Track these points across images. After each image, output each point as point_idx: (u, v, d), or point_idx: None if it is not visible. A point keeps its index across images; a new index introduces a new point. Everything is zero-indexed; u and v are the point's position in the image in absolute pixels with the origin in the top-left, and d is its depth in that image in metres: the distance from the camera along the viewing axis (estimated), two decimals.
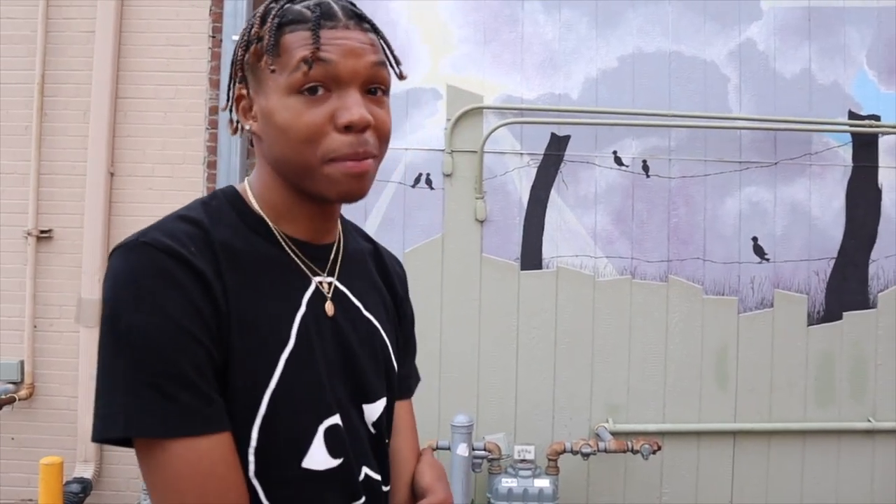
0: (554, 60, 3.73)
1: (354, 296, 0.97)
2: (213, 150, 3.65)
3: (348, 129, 0.82)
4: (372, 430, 0.96)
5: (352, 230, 1.06)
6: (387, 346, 1.00)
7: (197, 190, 3.65)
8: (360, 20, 0.86)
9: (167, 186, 3.65)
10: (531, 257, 3.74)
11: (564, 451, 3.50)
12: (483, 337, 3.70)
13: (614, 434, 3.57)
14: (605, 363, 3.71)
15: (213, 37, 3.68)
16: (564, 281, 3.74)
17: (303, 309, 0.89)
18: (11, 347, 3.73)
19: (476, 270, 3.73)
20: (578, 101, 3.73)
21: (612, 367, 3.72)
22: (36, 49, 3.67)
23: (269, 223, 0.90)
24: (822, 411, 3.78)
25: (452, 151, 3.71)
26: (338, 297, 0.94)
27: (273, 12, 0.85)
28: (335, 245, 0.97)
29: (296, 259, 0.91)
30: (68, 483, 3.52)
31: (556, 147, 3.74)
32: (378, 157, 0.88)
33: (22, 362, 3.71)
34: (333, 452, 0.87)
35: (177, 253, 0.78)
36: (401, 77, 0.94)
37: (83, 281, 3.64)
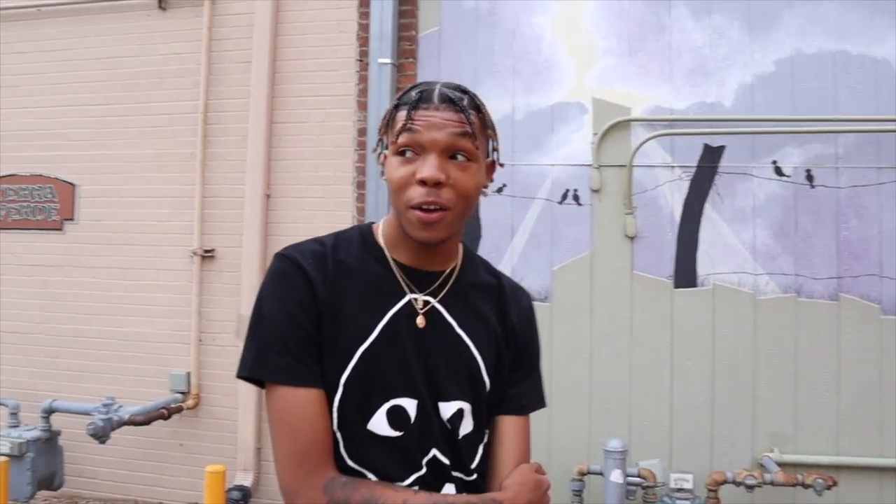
0: (705, 68, 3.57)
1: (451, 315, 1.20)
2: (361, 171, 3.75)
3: (423, 183, 1.08)
4: (447, 424, 1.18)
5: (479, 265, 1.30)
6: (475, 361, 1.20)
7: (347, 209, 3.76)
8: (451, 103, 1.11)
9: (319, 207, 3.79)
10: (685, 274, 3.59)
11: (725, 482, 3.31)
12: (635, 358, 3.59)
13: (781, 465, 3.34)
14: (769, 388, 3.50)
15: (360, 60, 3.79)
16: (722, 299, 3.56)
17: (389, 315, 1.16)
18: (180, 360, 3.98)
19: (626, 288, 3.62)
20: (732, 110, 3.56)
21: (777, 392, 3.50)
22: (199, 80, 3.92)
23: (385, 250, 1.20)
24: None
25: (600, 166, 3.63)
26: (432, 313, 1.19)
27: (398, 96, 1.17)
28: (446, 273, 1.21)
29: (399, 278, 1.19)
30: (230, 490, 3.72)
31: (710, 159, 3.57)
32: (454, 210, 1.11)
33: (189, 374, 3.94)
34: (394, 426, 1.14)
35: (298, 264, 1.14)
36: (498, 165, 1.24)
37: (242, 298, 3.84)
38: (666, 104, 3.62)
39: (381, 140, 1.20)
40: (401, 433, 1.14)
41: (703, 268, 3.60)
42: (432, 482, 1.16)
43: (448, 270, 1.22)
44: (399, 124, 1.11)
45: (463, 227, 1.22)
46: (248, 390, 3.81)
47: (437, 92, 1.13)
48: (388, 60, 3.68)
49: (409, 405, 1.15)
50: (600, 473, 3.40)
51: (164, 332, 4.05)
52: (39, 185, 4.27)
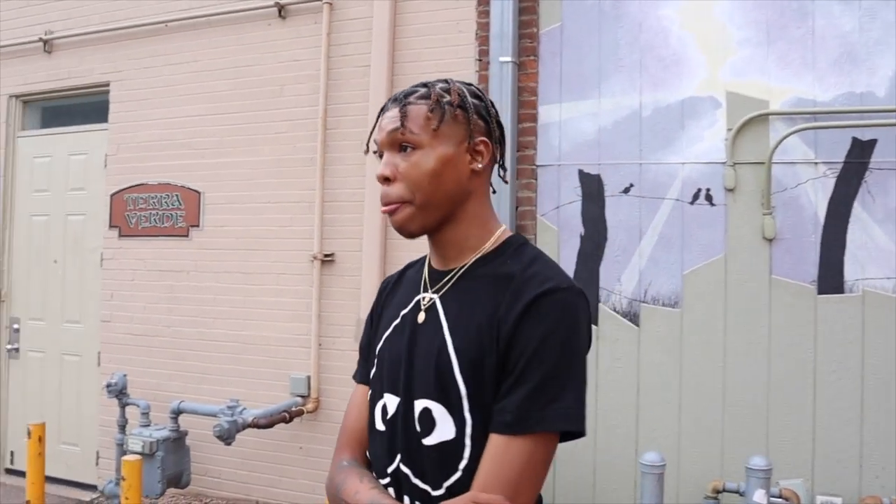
0: (853, 55, 3.32)
1: (444, 311, 1.19)
2: None
3: (378, 180, 1.19)
4: (417, 425, 1.14)
5: (513, 256, 1.20)
6: (446, 357, 1.13)
7: None
8: (395, 101, 1.20)
9: None
10: (830, 280, 3.35)
11: None
12: (773, 369, 3.38)
13: None
14: None
15: (480, 60, 3.73)
16: (872, 307, 3.30)
17: (401, 314, 1.25)
18: (300, 363, 4.03)
19: (765, 294, 3.41)
20: (885, 100, 3.30)
21: None
22: (319, 86, 3.96)
23: (428, 255, 1.29)
24: None
25: (735, 164, 3.44)
26: (431, 310, 1.20)
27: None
28: (457, 270, 1.21)
29: (425, 280, 1.25)
30: None
31: (859, 153, 3.32)
32: (414, 201, 1.16)
33: (309, 377, 3.98)
34: (384, 421, 1.21)
35: (382, 282, 1.40)
36: (479, 145, 1.22)
37: (361, 302, 3.85)
38: (808, 96, 3.39)
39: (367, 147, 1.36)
40: (385, 428, 1.20)
41: (850, 272, 3.35)
42: (395, 486, 1.19)
43: (459, 267, 1.20)
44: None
45: (473, 221, 1.20)
46: None
47: (407, 90, 1.21)
48: (509, 59, 3.61)
49: (392, 402, 1.19)
50: (737, 492, 3.22)
51: (284, 335, 4.12)
52: (167, 193, 4.43)
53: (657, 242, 3.58)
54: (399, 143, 1.17)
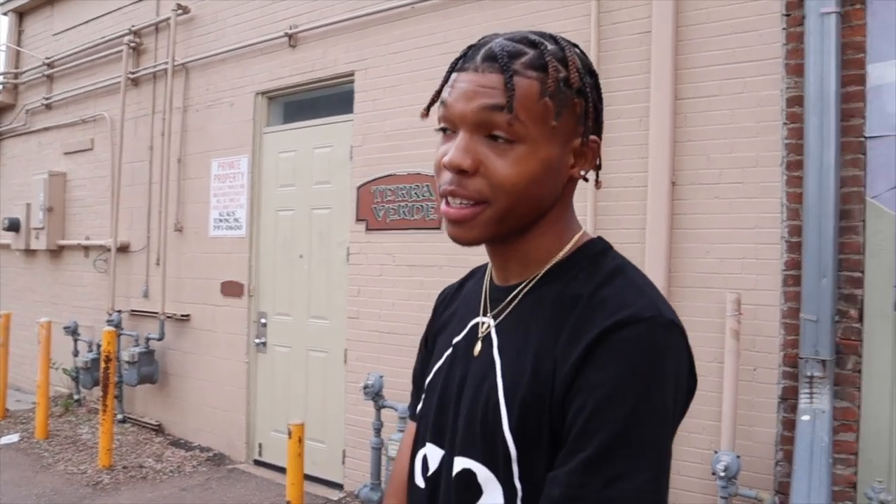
0: None
1: (500, 344, 0.91)
2: (795, 149, 3.11)
3: (448, 168, 0.85)
4: (454, 491, 0.89)
5: (588, 271, 0.88)
6: (495, 406, 0.85)
7: (775, 195, 3.17)
8: (493, 62, 0.84)
9: (737, 194, 3.25)
10: None
11: None
12: None
13: None
14: None
15: (788, 15, 3.15)
16: None
17: (454, 342, 0.99)
18: None
19: None
20: None
21: None
22: (590, 57, 3.49)
23: (491, 268, 1.00)
24: None
25: None
26: (487, 340, 0.93)
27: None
28: (520, 287, 0.92)
29: (482, 299, 0.98)
30: None
31: None
32: (494, 206, 0.85)
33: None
34: (424, 477, 0.96)
35: (438, 296, 1.16)
36: (588, 144, 0.92)
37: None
38: None
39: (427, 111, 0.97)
40: (423, 485, 0.97)
41: None
42: None
43: (524, 283, 0.92)
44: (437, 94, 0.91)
45: (554, 224, 0.91)
46: None
47: (486, 47, 0.86)
48: (832, 8, 2.99)
49: (435, 455, 0.95)
50: None
51: None
52: (417, 183, 4.21)
53: None
54: (490, 127, 0.84)
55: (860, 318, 3.03)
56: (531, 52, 0.86)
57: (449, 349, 1.00)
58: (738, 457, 3.02)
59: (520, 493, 0.83)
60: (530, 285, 0.91)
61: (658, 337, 0.79)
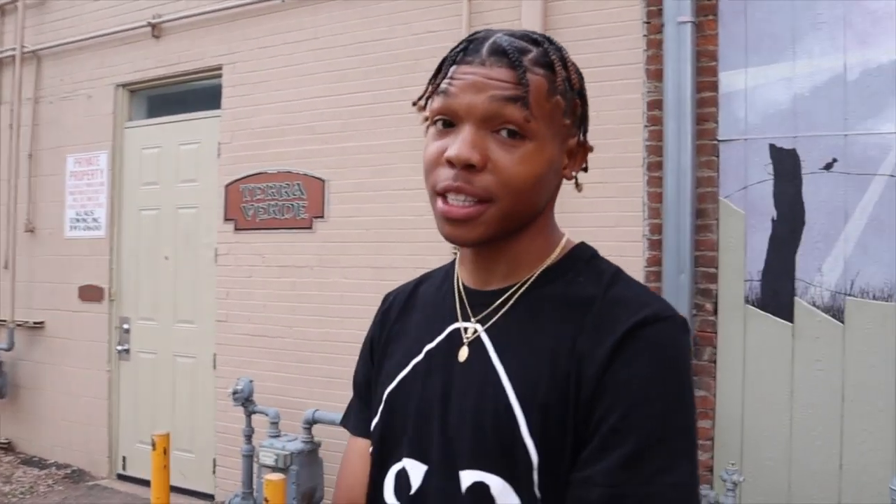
0: None
1: (495, 346, 0.85)
2: (655, 151, 3.22)
3: (450, 163, 0.81)
4: (464, 497, 0.81)
5: (586, 272, 0.88)
6: (509, 413, 0.80)
7: (636, 195, 3.25)
8: (503, 56, 0.81)
9: (600, 194, 3.30)
10: None
11: None
12: None
13: None
14: None
15: (648, 22, 3.26)
16: None
17: (426, 350, 0.92)
18: None
19: None
20: None
21: None
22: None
23: (456, 268, 0.96)
24: None
25: None
26: (475, 345, 0.87)
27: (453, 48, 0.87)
28: (510, 291, 0.88)
29: (456, 303, 0.92)
30: None
31: None
32: (498, 204, 0.81)
33: None
34: (398, 495, 0.89)
35: (383, 300, 1.08)
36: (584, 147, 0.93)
37: None
38: None
39: (425, 103, 0.90)
40: None
41: None
42: None
43: (515, 286, 0.88)
44: (436, 85, 0.85)
45: (545, 227, 0.90)
46: None
47: (490, 42, 0.83)
48: (688, 18, 3.12)
49: (416, 470, 0.87)
50: None
51: None
52: (287, 182, 4.06)
53: (867, 226, 3.04)
54: (501, 122, 0.81)
55: (715, 312, 3.18)
56: (535, 50, 0.84)
57: (417, 357, 0.92)
58: None
59: (520, 488, 0.79)
60: (524, 288, 0.88)
61: (678, 334, 0.81)
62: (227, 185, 4.27)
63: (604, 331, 0.79)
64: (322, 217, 3.98)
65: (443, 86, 0.83)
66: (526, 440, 0.78)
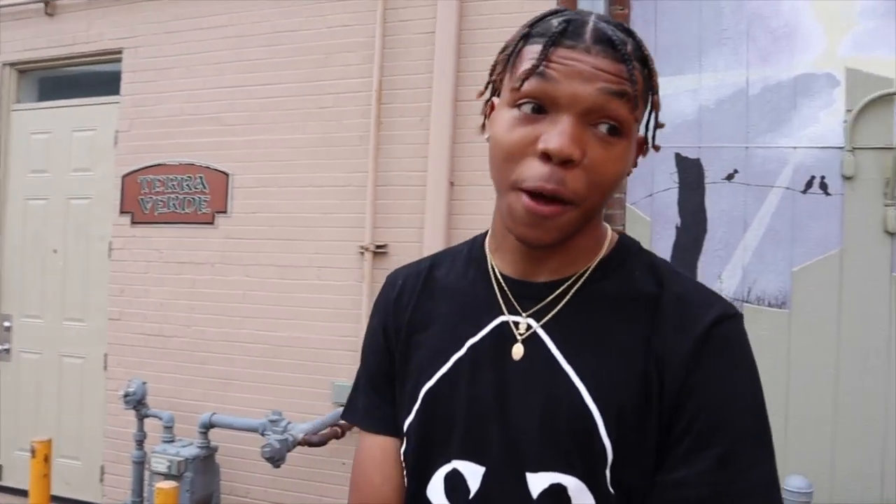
0: None
1: (557, 344, 0.81)
2: None
3: (547, 157, 0.74)
4: (540, 499, 0.78)
5: (639, 266, 0.86)
6: (586, 413, 0.78)
7: None
8: (611, 46, 0.75)
9: None
10: None
11: None
12: (893, 379, 2.93)
13: None
14: None
15: None
16: None
17: (470, 343, 0.85)
18: (345, 369, 3.50)
19: (885, 294, 3.01)
20: None
21: None
22: (373, 55, 3.43)
23: (488, 255, 0.90)
24: None
25: (854, 149, 3.00)
26: (533, 341, 0.82)
27: (529, 23, 0.81)
28: (565, 284, 0.84)
29: (497, 294, 0.86)
30: None
31: None
32: (581, 206, 0.76)
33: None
34: (451, 498, 0.83)
35: (388, 284, 0.99)
36: (652, 147, 0.87)
37: None
38: None
39: (490, 83, 0.87)
40: None
41: None
42: None
43: (570, 279, 0.85)
44: (526, 63, 0.76)
45: (600, 219, 0.88)
46: None
47: (591, 26, 0.77)
48: None
49: (472, 472, 0.82)
50: None
51: (327, 337, 3.57)
52: (189, 174, 3.85)
53: (764, 235, 3.13)
54: (602, 115, 0.75)
55: None
56: (630, 42, 0.79)
57: (458, 352, 0.86)
58: None
59: (615, 500, 0.77)
60: (580, 282, 0.85)
61: (744, 330, 0.81)
62: (124, 176, 4.00)
63: (680, 331, 0.79)
64: (225, 212, 3.78)
65: (542, 68, 0.75)
66: (604, 440, 0.77)
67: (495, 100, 0.86)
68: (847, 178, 3.04)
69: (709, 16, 3.19)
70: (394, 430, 0.91)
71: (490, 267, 0.88)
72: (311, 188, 3.61)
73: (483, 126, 0.89)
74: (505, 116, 0.79)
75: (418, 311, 0.92)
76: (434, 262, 0.97)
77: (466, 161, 3.37)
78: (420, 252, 3.37)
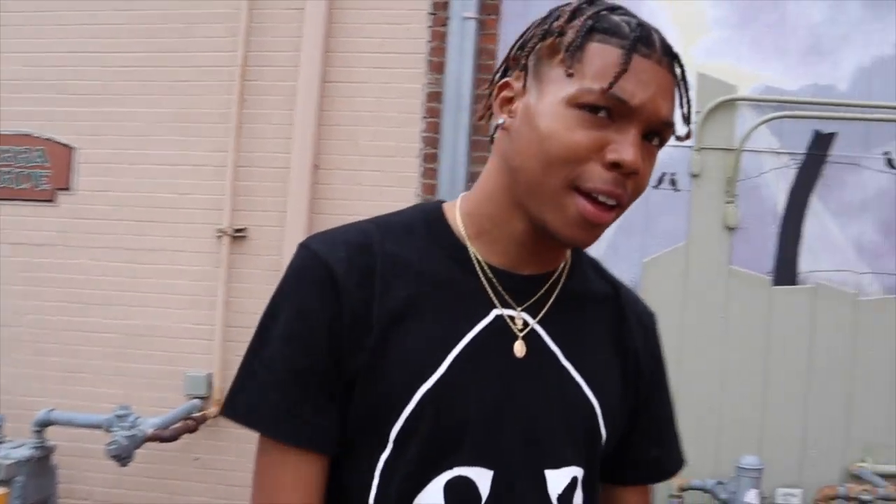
0: (820, 47, 3.20)
1: (554, 340, 0.82)
2: (432, 143, 3.19)
3: (614, 166, 0.73)
4: (555, 502, 0.80)
5: (588, 267, 0.92)
6: (590, 407, 0.83)
7: (411, 185, 3.22)
8: (675, 61, 0.78)
9: (377, 182, 3.23)
10: (786, 271, 3.22)
11: (837, 497, 2.94)
12: (728, 359, 3.20)
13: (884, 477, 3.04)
14: (866, 394, 3.20)
15: (434, 14, 3.21)
16: (823, 299, 3.21)
17: (466, 340, 0.78)
18: (199, 358, 3.33)
19: (723, 284, 3.21)
20: (847, 94, 3.20)
21: (874, 398, 3.19)
22: (239, 28, 3.25)
23: (466, 240, 0.82)
24: None
25: (701, 148, 3.18)
26: (533, 340, 0.81)
27: (587, 13, 0.76)
28: (551, 280, 0.84)
29: (485, 284, 0.81)
30: None
31: (820, 146, 3.20)
32: (622, 210, 0.78)
33: (210, 375, 3.26)
34: None
35: (323, 260, 0.77)
36: (684, 137, 0.83)
37: None
38: (776, 84, 3.23)
39: (522, 65, 0.79)
40: None
41: (805, 264, 3.23)
42: None
43: (550, 275, 0.84)
44: (603, 68, 0.72)
45: None
46: None
47: (657, 35, 0.76)
48: (473, 14, 3.12)
49: (481, 476, 0.77)
50: (703, 489, 2.98)
51: (180, 325, 3.36)
52: (27, 146, 3.49)
53: (618, 227, 3.23)
54: (659, 128, 0.75)
55: None
56: (667, 44, 0.78)
57: (455, 348, 0.78)
58: None
59: (597, 486, 0.88)
60: (562, 279, 0.85)
61: None
62: None
63: (641, 328, 0.90)
64: (68, 189, 3.46)
65: (625, 79, 0.71)
66: (602, 431, 0.83)
67: (513, 82, 0.80)
68: (694, 176, 3.23)
69: None
70: (326, 447, 0.77)
71: (471, 251, 0.82)
72: (167, 166, 3.38)
73: (489, 108, 0.84)
74: (561, 113, 0.73)
75: (389, 296, 0.77)
76: (377, 233, 0.81)
77: (333, 145, 3.27)
78: (282, 237, 3.24)
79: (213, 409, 3.28)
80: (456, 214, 0.84)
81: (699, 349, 3.20)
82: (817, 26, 3.22)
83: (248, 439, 3.19)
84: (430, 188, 3.20)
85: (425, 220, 0.84)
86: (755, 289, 3.23)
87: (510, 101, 0.79)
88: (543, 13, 0.83)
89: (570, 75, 0.73)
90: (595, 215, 0.74)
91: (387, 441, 0.76)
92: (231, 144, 3.27)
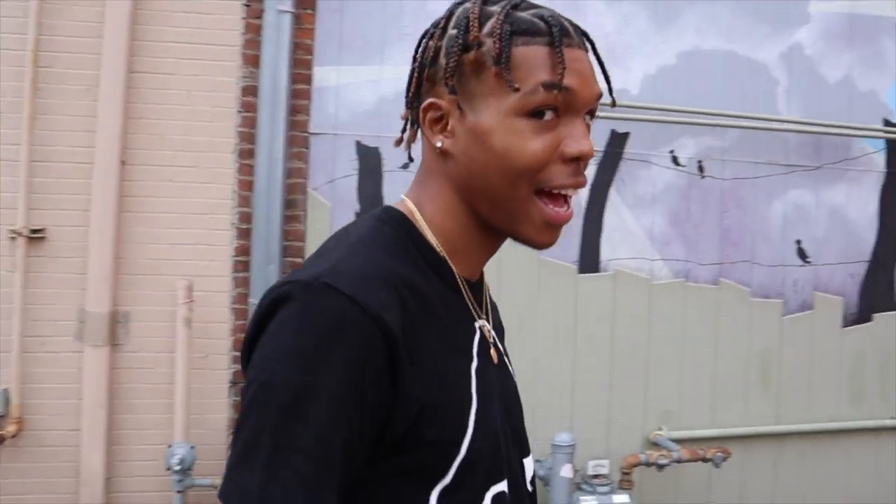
0: (613, 53, 3.47)
1: (500, 345, 0.89)
2: (247, 138, 3.11)
3: (574, 160, 0.75)
4: (529, 488, 0.87)
5: None
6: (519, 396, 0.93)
7: (226, 182, 3.13)
8: (585, 39, 0.80)
9: (190, 178, 3.10)
10: (589, 260, 3.49)
11: (640, 464, 3.25)
12: (539, 345, 3.42)
13: (677, 442, 3.40)
14: (660, 369, 3.56)
15: (248, 6, 3.12)
16: (622, 284, 3.53)
17: (475, 360, 0.79)
18: None
19: (534, 274, 3.42)
20: (638, 97, 3.49)
21: (666, 372, 3.57)
22: (29, 8, 2.97)
23: (444, 255, 0.80)
24: (854, 410, 3.75)
25: None
26: (494, 344, 0.86)
27: (498, 17, 0.74)
28: (484, 284, 0.89)
29: (466, 298, 0.82)
30: None
31: (616, 144, 3.48)
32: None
33: (7, 391, 2.99)
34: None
35: (370, 312, 0.66)
36: (613, 104, 0.87)
37: (88, 290, 3.00)
38: None
39: (450, 86, 0.75)
40: None
41: (605, 253, 3.53)
42: None
43: (481, 278, 0.89)
44: (539, 72, 0.72)
45: None
46: (94, 404, 2.97)
47: (565, 20, 0.78)
48: (288, 8, 3.06)
49: (503, 487, 0.80)
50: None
51: None
52: None
53: None
54: (593, 107, 0.78)
55: None
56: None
57: (473, 364, 0.78)
58: (192, 447, 2.89)
59: None
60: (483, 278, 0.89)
61: None
62: None
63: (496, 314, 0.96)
64: None
65: (562, 74, 0.71)
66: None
67: (439, 101, 0.77)
68: None
69: (391, 14, 3.28)
70: None
71: (455, 271, 0.81)
72: None
73: (413, 136, 0.84)
74: (511, 125, 0.73)
75: (418, 332, 0.71)
76: (388, 261, 0.74)
77: (141, 139, 3.08)
78: (86, 237, 3.01)
79: (10, 429, 2.98)
80: (424, 227, 0.79)
81: (512, 336, 3.36)
82: (611, 35, 3.49)
83: (53, 459, 2.95)
84: (246, 184, 3.11)
85: (409, 237, 0.79)
86: (563, 277, 3.46)
87: (438, 121, 0.78)
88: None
89: (516, 90, 0.72)
90: (560, 218, 0.77)
91: (447, 472, 0.72)
92: (24, 137, 2.97)
